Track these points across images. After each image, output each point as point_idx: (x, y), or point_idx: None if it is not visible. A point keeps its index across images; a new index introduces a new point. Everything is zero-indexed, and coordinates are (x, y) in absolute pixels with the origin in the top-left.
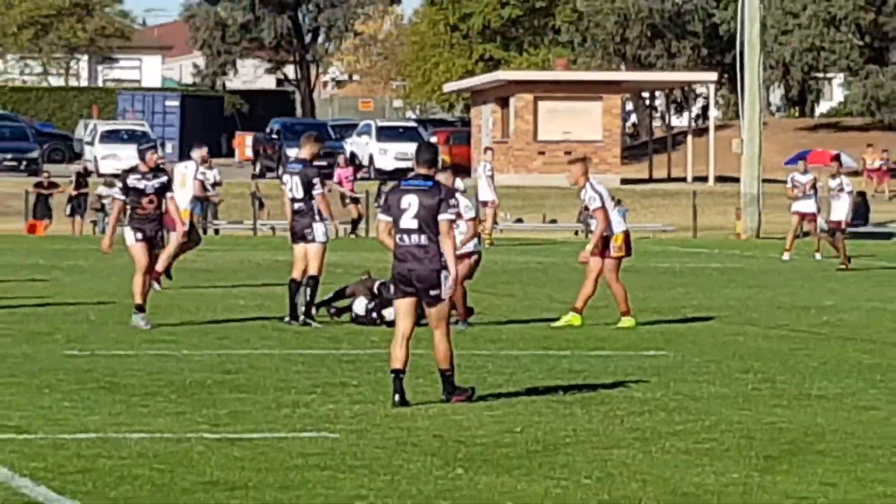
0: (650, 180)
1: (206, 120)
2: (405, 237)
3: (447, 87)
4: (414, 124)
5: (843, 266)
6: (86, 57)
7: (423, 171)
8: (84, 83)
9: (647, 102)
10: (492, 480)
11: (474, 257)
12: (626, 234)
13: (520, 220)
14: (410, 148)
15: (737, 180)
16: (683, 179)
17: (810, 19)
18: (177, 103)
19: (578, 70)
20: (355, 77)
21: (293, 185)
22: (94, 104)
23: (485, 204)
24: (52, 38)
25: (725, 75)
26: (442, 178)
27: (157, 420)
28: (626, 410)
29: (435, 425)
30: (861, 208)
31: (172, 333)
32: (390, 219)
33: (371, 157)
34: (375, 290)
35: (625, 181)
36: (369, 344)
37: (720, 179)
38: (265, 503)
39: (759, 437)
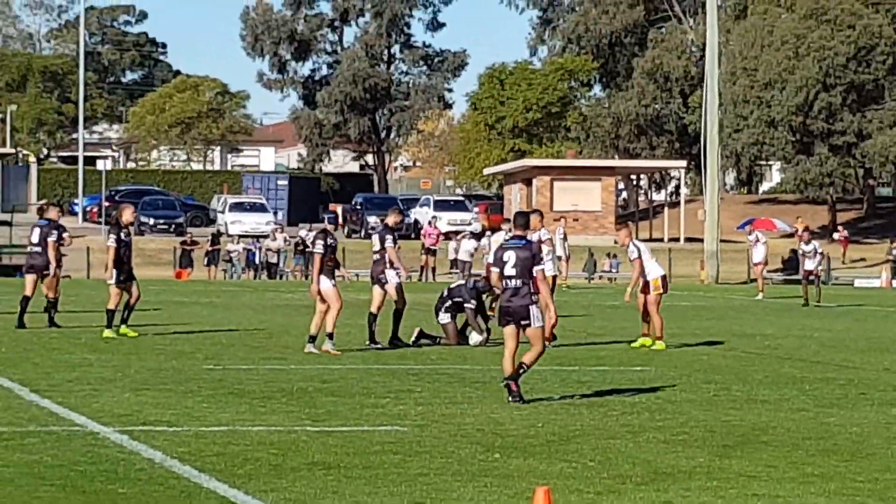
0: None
1: (308, 195)
2: (508, 281)
3: (486, 171)
4: (462, 198)
5: (818, 303)
6: (218, 148)
7: (518, 232)
8: (217, 167)
9: (635, 182)
10: (520, 462)
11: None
12: (664, 277)
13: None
14: (459, 215)
15: (701, 240)
16: (661, 240)
17: (756, 121)
18: (286, 182)
19: (584, 158)
20: (418, 163)
21: (374, 241)
22: (225, 183)
23: (559, 258)
24: (194, 133)
25: (692, 162)
26: (535, 219)
27: (272, 417)
28: (619, 410)
29: (478, 421)
30: (793, 261)
31: (283, 353)
32: (498, 269)
33: (430, 223)
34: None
35: (616, 241)
36: (429, 361)
37: (689, 240)
38: (352, 478)
39: (719, 430)
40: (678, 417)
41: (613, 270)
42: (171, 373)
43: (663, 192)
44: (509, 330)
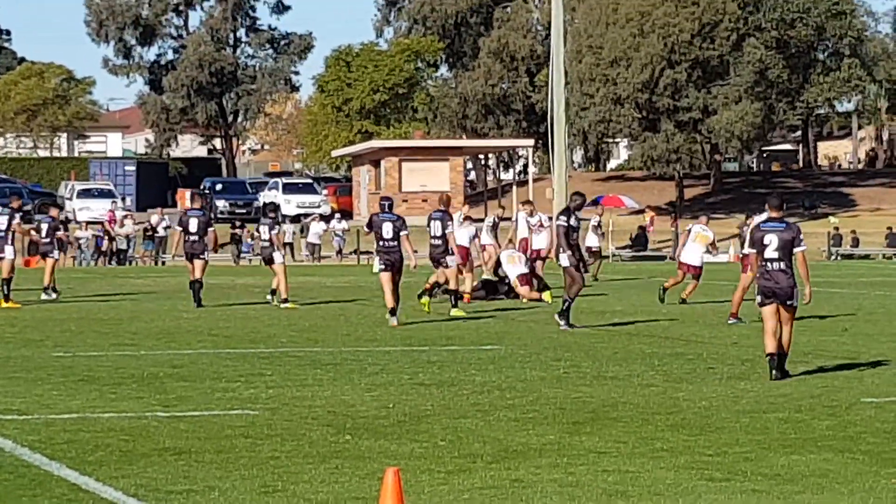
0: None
1: (156, 180)
2: (770, 264)
3: (334, 153)
4: (310, 181)
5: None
6: (65, 134)
7: (774, 214)
8: (64, 154)
9: (483, 162)
10: (371, 443)
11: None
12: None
13: None
14: (308, 198)
15: (550, 218)
16: (509, 219)
17: (602, 99)
18: (133, 168)
19: (431, 139)
20: (266, 146)
21: (385, 230)
22: (72, 170)
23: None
24: (40, 120)
25: (540, 141)
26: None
27: (122, 403)
28: (469, 390)
29: (329, 403)
30: (641, 238)
31: (133, 339)
32: (755, 251)
33: (278, 206)
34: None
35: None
36: (279, 344)
37: None
38: (203, 463)
39: (569, 407)
40: (528, 395)
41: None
42: (20, 361)
43: (511, 171)
44: (770, 310)
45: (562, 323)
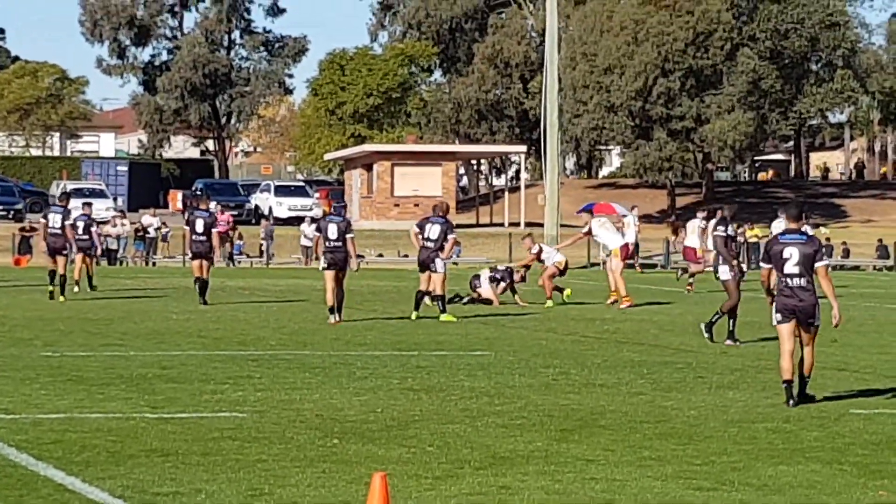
0: (477, 225)
1: (148, 181)
2: (790, 280)
3: (327, 156)
4: (302, 184)
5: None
6: (58, 134)
7: (793, 225)
8: (56, 153)
9: (475, 167)
10: (359, 448)
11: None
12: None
13: (381, 255)
14: (300, 201)
15: (541, 224)
16: (501, 224)
17: (595, 106)
18: (126, 168)
19: (424, 143)
20: (259, 149)
21: (331, 231)
22: (64, 169)
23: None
24: (33, 119)
25: (532, 147)
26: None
27: (110, 404)
28: (458, 395)
29: (317, 407)
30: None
31: (122, 339)
32: (771, 266)
33: (271, 209)
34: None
35: (458, 225)
36: (269, 347)
37: (529, 224)
38: (190, 465)
39: (557, 414)
40: (516, 402)
41: (455, 256)
42: (8, 360)
43: (504, 177)
44: (788, 328)
45: (706, 334)
